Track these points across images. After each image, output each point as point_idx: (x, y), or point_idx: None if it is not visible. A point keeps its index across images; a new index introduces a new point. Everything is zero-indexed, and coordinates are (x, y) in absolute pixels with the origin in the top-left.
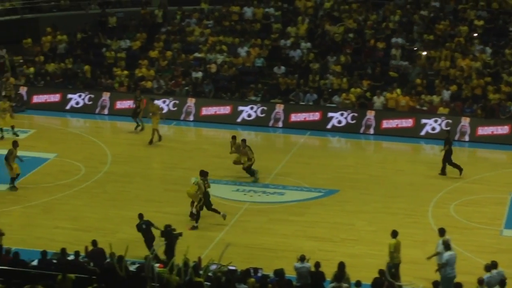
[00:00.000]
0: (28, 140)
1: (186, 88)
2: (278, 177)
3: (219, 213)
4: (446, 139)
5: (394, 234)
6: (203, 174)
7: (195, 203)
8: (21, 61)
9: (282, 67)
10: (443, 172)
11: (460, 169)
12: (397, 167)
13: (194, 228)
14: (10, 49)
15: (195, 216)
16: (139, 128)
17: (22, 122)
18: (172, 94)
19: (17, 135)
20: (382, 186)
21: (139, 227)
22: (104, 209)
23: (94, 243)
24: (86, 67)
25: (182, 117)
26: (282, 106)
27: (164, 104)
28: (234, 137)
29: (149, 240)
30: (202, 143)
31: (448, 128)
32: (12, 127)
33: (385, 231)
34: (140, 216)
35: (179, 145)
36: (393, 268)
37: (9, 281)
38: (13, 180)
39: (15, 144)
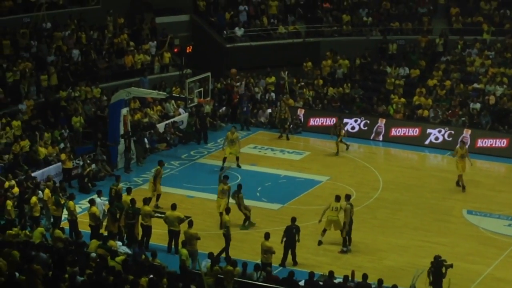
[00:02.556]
0: (303, 162)
1: (463, 118)
2: None
3: (349, 245)
4: None
5: None
6: (348, 198)
7: (343, 230)
8: (302, 83)
9: None
10: None
11: None
12: None
13: (344, 251)
14: (291, 71)
15: (346, 243)
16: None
17: (298, 144)
18: (448, 124)
19: (240, 167)
20: None
21: (289, 229)
22: (373, 235)
23: (364, 276)
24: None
25: None
26: None
27: (439, 134)
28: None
29: (290, 245)
30: (476, 174)
31: None
32: (237, 158)
33: None
34: (293, 219)
35: (452, 175)
36: None
37: None
38: (150, 199)
39: (161, 163)
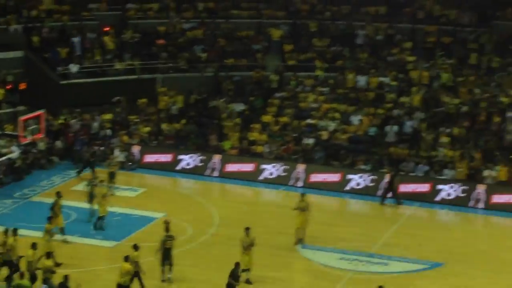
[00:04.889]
0: (138, 199)
1: (297, 155)
2: (384, 247)
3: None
4: None
5: None
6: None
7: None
8: (137, 120)
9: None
10: None
11: None
12: (506, 243)
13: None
14: (127, 108)
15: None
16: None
17: (133, 181)
18: (282, 159)
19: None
20: (489, 261)
21: None
22: (209, 271)
23: None
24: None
25: (291, 182)
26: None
27: (274, 169)
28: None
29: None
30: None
31: None
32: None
33: None
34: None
35: (286, 210)
36: None
37: None
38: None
39: (59, 194)
